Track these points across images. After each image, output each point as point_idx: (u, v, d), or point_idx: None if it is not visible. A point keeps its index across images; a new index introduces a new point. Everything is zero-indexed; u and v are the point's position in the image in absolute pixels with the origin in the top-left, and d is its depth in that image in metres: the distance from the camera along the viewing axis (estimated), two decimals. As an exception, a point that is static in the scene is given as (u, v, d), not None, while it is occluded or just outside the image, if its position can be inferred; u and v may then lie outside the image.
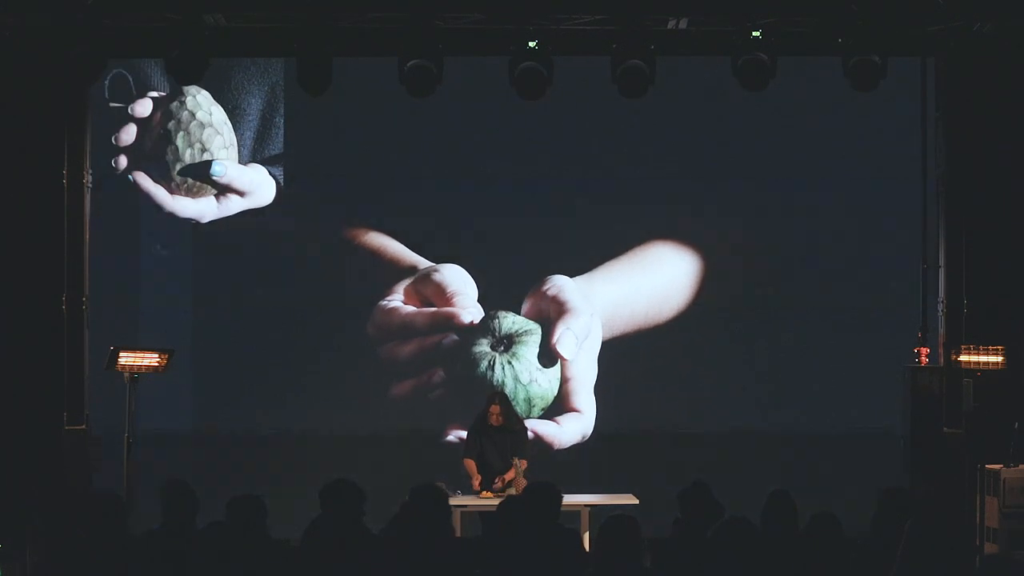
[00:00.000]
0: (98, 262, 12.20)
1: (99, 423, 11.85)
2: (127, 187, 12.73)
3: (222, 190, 12.75)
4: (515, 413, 11.69)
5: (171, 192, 12.76)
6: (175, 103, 12.74)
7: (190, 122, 12.73)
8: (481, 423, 11.48)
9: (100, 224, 12.31)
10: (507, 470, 11.26)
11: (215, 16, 11.23)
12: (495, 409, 11.40)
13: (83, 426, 11.82)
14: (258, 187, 12.80)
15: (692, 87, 12.62)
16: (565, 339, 12.68)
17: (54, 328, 11.85)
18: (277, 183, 12.83)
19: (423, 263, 12.87)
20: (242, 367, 12.81)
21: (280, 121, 12.84)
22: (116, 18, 10.98)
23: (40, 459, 11.63)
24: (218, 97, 12.79)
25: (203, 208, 12.76)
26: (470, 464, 11.38)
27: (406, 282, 12.84)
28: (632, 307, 12.95)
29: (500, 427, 11.36)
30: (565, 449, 12.69)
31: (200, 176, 12.73)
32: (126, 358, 10.84)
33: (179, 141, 12.73)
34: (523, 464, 11.12)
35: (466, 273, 12.85)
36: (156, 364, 10.90)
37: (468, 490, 11.21)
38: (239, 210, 12.81)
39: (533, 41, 10.94)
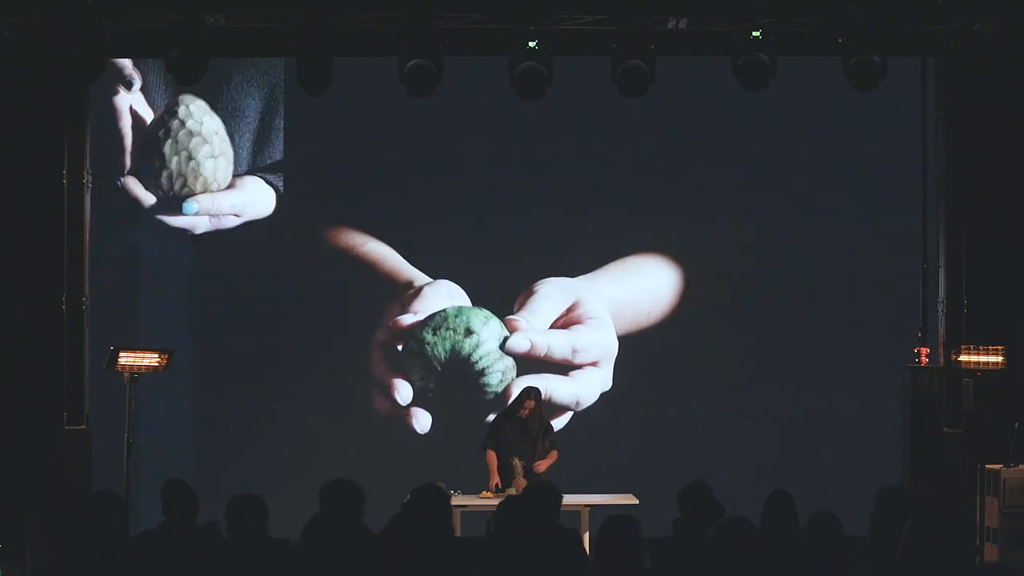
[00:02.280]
0: (98, 262, 12.19)
1: (99, 423, 11.85)
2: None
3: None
4: (545, 413, 11.66)
5: (161, 198, 12.75)
6: (166, 112, 12.73)
7: (179, 130, 12.71)
8: (509, 412, 11.50)
9: (100, 224, 12.31)
10: (532, 453, 11.25)
11: (215, 16, 11.23)
12: (529, 404, 11.38)
13: (83, 426, 11.81)
14: (248, 206, 12.76)
15: (691, 87, 12.61)
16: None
17: (54, 328, 11.84)
18: (276, 192, 12.79)
19: (420, 276, 12.83)
20: (242, 367, 12.81)
21: (280, 123, 12.83)
22: (116, 18, 10.97)
23: (40, 459, 11.63)
24: (216, 99, 12.78)
25: (194, 221, 12.75)
26: (491, 457, 11.35)
27: (397, 301, 12.85)
28: (633, 306, 12.94)
29: (528, 419, 11.37)
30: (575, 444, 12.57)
31: (177, 210, 12.74)
32: (126, 358, 10.84)
33: (166, 148, 12.72)
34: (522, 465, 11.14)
35: (458, 288, 12.82)
36: (156, 364, 10.90)
37: (468, 490, 11.21)
38: (235, 225, 12.81)
39: (533, 41, 10.94)
